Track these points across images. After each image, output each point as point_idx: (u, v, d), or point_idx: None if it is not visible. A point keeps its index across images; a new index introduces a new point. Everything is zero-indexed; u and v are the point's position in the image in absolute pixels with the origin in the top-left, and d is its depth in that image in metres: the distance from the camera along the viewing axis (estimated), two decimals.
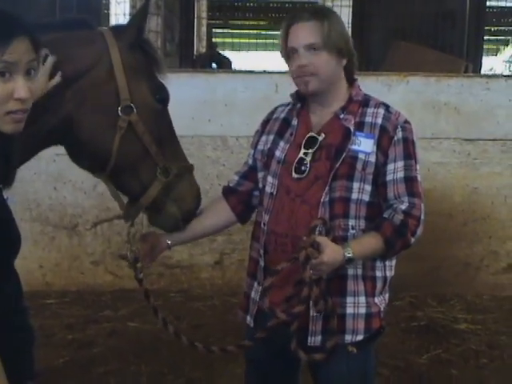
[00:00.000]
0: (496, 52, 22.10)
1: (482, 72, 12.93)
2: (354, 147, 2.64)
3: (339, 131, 2.69)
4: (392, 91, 6.23)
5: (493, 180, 6.43)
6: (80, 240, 6.31)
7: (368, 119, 2.69)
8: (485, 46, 14.02)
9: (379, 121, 2.68)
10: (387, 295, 2.82)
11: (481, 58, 12.56)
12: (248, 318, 2.86)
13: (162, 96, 2.61)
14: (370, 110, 2.72)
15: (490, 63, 20.53)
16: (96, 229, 6.09)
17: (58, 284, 6.33)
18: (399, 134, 2.66)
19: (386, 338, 5.14)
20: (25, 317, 2.12)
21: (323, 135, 2.70)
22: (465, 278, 6.51)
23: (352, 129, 2.67)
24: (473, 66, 9.84)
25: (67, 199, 6.22)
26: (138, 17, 2.57)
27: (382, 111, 2.71)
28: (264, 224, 2.77)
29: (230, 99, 6.25)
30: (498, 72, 18.80)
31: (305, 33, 2.67)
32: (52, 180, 6.15)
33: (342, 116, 2.71)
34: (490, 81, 6.49)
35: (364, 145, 2.65)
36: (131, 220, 2.72)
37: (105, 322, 5.62)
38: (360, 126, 2.68)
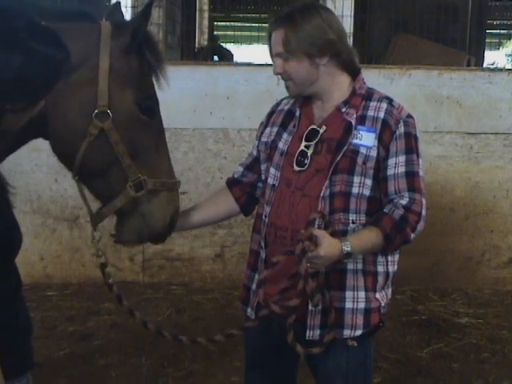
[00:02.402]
0: (498, 46, 22.05)
1: (485, 66, 12.91)
2: (355, 141, 2.63)
3: (340, 125, 2.68)
4: (394, 84, 6.21)
5: (495, 174, 6.42)
6: (81, 232, 6.31)
7: (370, 113, 2.67)
8: (487, 40, 13.99)
9: (381, 115, 2.66)
10: (390, 290, 2.80)
11: (483, 52, 12.55)
12: (249, 310, 2.86)
13: (149, 106, 2.47)
14: (372, 104, 2.70)
15: (493, 57, 20.48)
16: None
17: (58, 276, 6.34)
18: (401, 129, 2.64)
19: (387, 331, 5.15)
20: (23, 309, 2.12)
21: (324, 127, 2.69)
22: (466, 272, 6.51)
23: (353, 123, 2.66)
24: (475, 60, 9.81)
25: (68, 191, 6.20)
26: (138, 20, 2.42)
27: (384, 105, 2.68)
28: (265, 216, 2.77)
29: (231, 92, 6.24)
30: (500, 66, 18.76)
31: (274, 42, 2.70)
32: (53, 172, 6.14)
33: (343, 110, 2.70)
34: (493, 74, 6.47)
35: (365, 139, 2.63)
36: (94, 226, 2.61)
37: (105, 315, 5.63)
38: (362, 120, 2.66)
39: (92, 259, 6.19)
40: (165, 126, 2.65)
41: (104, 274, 2.70)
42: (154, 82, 2.52)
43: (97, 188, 2.52)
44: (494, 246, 6.54)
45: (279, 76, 2.76)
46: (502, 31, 20.78)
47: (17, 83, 1.75)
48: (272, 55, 2.74)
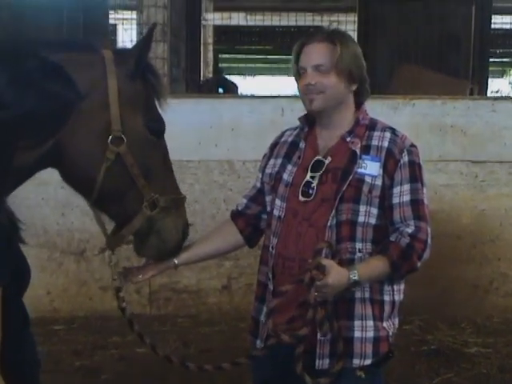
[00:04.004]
0: (502, 74, 22.16)
1: (488, 94, 12.95)
2: (361, 170, 2.66)
3: (345, 154, 2.71)
4: (398, 114, 6.24)
5: (501, 201, 6.41)
6: (88, 265, 6.31)
7: (374, 142, 2.71)
8: (490, 68, 14.04)
9: (385, 144, 2.69)
10: (396, 320, 2.81)
11: (486, 80, 12.58)
12: (258, 341, 2.85)
13: (157, 127, 2.55)
14: (376, 134, 2.73)
15: (496, 85, 20.58)
16: (103, 254, 6.08)
17: (65, 310, 6.32)
18: (405, 158, 2.68)
19: (396, 362, 5.08)
20: (31, 344, 2.12)
21: (329, 158, 2.72)
22: (474, 301, 6.47)
23: (358, 152, 2.69)
24: (478, 88, 9.87)
25: (75, 225, 6.22)
26: (141, 45, 2.52)
27: (388, 135, 2.73)
28: (272, 247, 2.78)
29: (236, 124, 6.27)
30: (503, 94, 18.84)
31: (315, 54, 2.71)
32: (60, 206, 6.16)
33: (348, 139, 2.73)
34: (496, 103, 6.49)
35: (370, 168, 2.66)
36: (113, 249, 2.69)
37: (112, 348, 5.60)
38: (366, 150, 2.70)
39: (98, 292, 6.22)
40: (170, 158, 2.69)
41: (118, 297, 2.78)
42: (157, 104, 2.59)
43: (114, 211, 2.57)
44: (502, 274, 6.50)
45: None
46: (505, 59, 20.89)
47: (30, 122, 1.77)
48: (304, 66, 2.73)
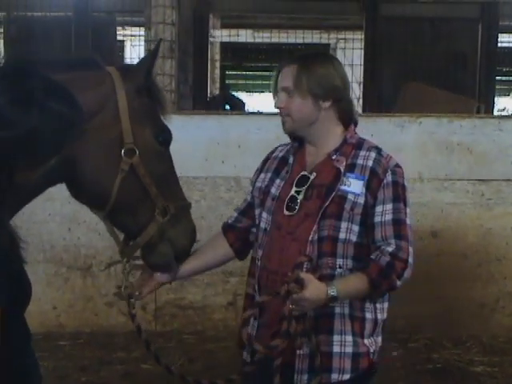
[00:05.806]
0: (508, 92, 22.15)
1: (495, 112, 12.97)
2: (344, 187, 2.71)
3: (330, 171, 2.76)
4: (404, 132, 6.24)
5: (507, 220, 6.40)
6: (94, 281, 6.32)
7: (359, 161, 2.76)
8: (497, 86, 14.06)
9: (370, 163, 2.74)
10: (379, 338, 2.82)
11: (493, 99, 12.61)
12: (244, 353, 2.88)
13: (165, 138, 2.66)
14: (362, 153, 2.78)
15: (503, 103, 20.57)
16: (110, 270, 6.09)
17: (71, 325, 6.32)
18: (389, 178, 2.72)
19: (401, 380, 5.09)
20: (33, 359, 2.12)
21: (314, 174, 2.77)
22: (480, 320, 6.44)
23: (342, 170, 2.74)
24: (485, 107, 9.89)
25: (81, 240, 6.24)
26: (148, 60, 2.62)
27: (373, 154, 2.77)
28: (258, 259, 2.84)
29: (243, 140, 6.30)
30: (510, 112, 18.84)
31: (283, 76, 2.80)
32: (66, 221, 6.18)
33: (334, 157, 2.78)
34: (503, 121, 6.51)
35: (354, 186, 2.71)
36: (127, 257, 2.76)
37: (118, 364, 5.60)
38: (351, 168, 2.75)
39: (104, 308, 6.22)
40: (177, 174, 2.77)
41: (129, 304, 2.83)
42: (162, 115, 2.69)
43: (127, 222, 2.66)
44: (508, 293, 6.48)
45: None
46: (511, 78, 20.89)
47: (31, 141, 1.78)
48: (276, 89, 2.84)
